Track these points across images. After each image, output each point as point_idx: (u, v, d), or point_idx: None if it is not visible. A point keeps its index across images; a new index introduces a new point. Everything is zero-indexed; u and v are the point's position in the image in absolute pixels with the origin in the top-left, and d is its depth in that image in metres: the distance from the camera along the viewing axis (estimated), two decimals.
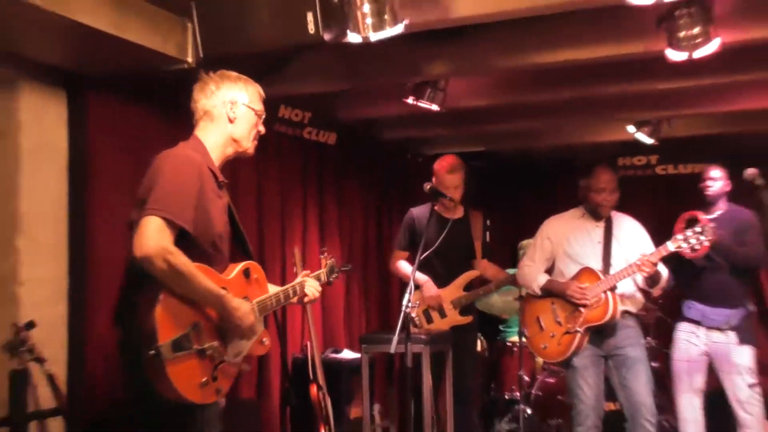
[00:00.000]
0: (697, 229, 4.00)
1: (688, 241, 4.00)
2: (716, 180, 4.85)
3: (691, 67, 3.96)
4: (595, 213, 4.39)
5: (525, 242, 5.06)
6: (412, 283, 3.83)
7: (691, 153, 6.49)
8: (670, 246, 4.04)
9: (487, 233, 5.09)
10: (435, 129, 6.06)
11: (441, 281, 4.85)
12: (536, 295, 4.44)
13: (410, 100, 4.76)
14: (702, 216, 4.29)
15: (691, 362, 4.91)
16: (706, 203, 4.93)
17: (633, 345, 4.27)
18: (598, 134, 6.28)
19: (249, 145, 2.83)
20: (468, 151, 6.78)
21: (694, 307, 4.92)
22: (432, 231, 4.53)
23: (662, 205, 5.32)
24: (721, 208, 4.89)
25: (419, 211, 4.96)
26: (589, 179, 4.37)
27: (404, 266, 4.95)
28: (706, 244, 4.04)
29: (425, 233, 4.20)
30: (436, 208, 4.68)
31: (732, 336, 4.81)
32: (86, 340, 3.82)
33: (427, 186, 4.40)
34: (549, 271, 4.48)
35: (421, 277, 4.80)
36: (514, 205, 7.54)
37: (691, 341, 4.93)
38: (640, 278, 4.15)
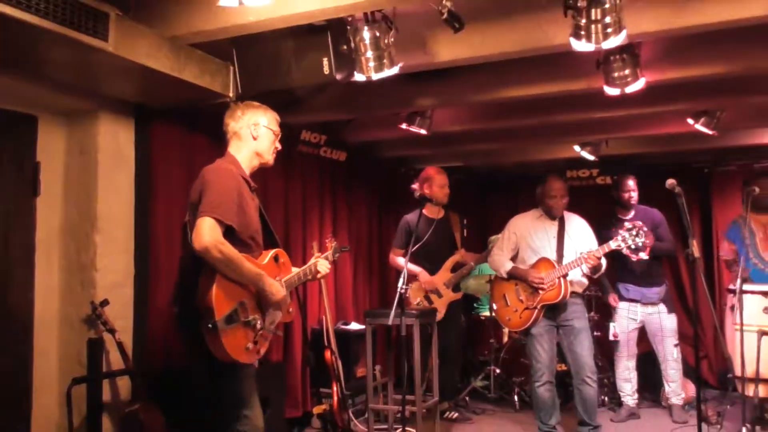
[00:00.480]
0: (633, 231, 4.05)
1: (626, 240, 4.06)
2: (636, 189, 4.99)
3: (623, 100, 4.03)
4: (549, 214, 4.43)
5: (493, 237, 5.13)
6: (405, 270, 3.88)
7: (624, 167, 6.53)
8: (613, 244, 4.09)
9: (464, 229, 5.16)
10: (423, 149, 6.09)
11: (432, 268, 4.91)
12: (503, 278, 4.48)
13: (404, 126, 4.80)
14: (637, 223, 4.36)
15: (630, 333, 5.03)
16: (625, 207, 5.04)
17: (579, 318, 4.32)
18: (551, 152, 6.31)
19: (269, 158, 2.91)
20: (448, 166, 6.85)
21: (632, 289, 5.02)
22: (421, 229, 4.59)
23: (602, 209, 5.39)
24: (635, 210, 5.01)
25: (411, 217, 5.02)
26: (543, 186, 4.42)
27: (401, 261, 4.96)
28: (639, 243, 4.08)
29: (416, 231, 4.27)
30: (424, 211, 4.75)
31: (662, 307, 4.96)
32: (148, 316, 3.85)
33: (417, 194, 4.50)
34: (514, 258, 4.52)
35: (416, 269, 4.85)
36: (484, 208, 7.56)
37: (630, 317, 5.04)
38: (585, 267, 4.20)
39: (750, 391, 4.29)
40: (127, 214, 3.82)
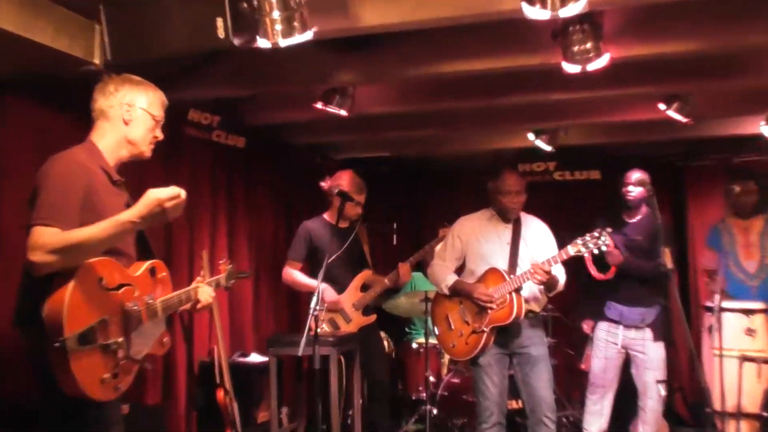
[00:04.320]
0: (595, 233, 4.09)
1: (586, 245, 4.10)
2: (639, 184, 4.98)
3: (585, 80, 4.14)
4: (504, 215, 4.47)
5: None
6: (319, 286, 3.92)
7: (585, 160, 6.76)
8: (571, 250, 4.13)
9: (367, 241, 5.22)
10: (343, 134, 6.10)
11: (337, 287, 4.92)
12: (445, 294, 4.49)
13: (319, 106, 4.78)
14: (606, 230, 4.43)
15: (608, 360, 5.09)
16: (627, 208, 5.10)
17: (536, 344, 4.37)
18: (499, 141, 6.43)
19: (144, 149, 2.84)
20: (375, 156, 6.89)
21: (613, 308, 5.10)
22: (331, 240, 4.56)
23: (560, 209, 5.55)
24: (641, 213, 5.08)
25: (314, 224, 5.04)
26: (497, 182, 4.44)
27: (296, 274, 4.97)
28: (604, 248, 4.15)
29: (332, 241, 4.29)
30: (328, 218, 4.86)
31: (647, 333, 5.01)
32: None
33: (336, 190, 4.52)
34: (460, 270, 4.54)
35: (323, 285, 4.84)
36: (416, 210, 7.67)
37: (609, 340, 5.09)
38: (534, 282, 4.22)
39: (731, 428, 4.49)
40: None
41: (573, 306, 5.89)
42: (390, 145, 6.68)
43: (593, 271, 4.98)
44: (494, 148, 6.55)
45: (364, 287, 5.03)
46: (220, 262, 3.50)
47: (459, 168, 7.45)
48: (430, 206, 7.60)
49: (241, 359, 5.32)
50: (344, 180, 4.94)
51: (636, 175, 4.99)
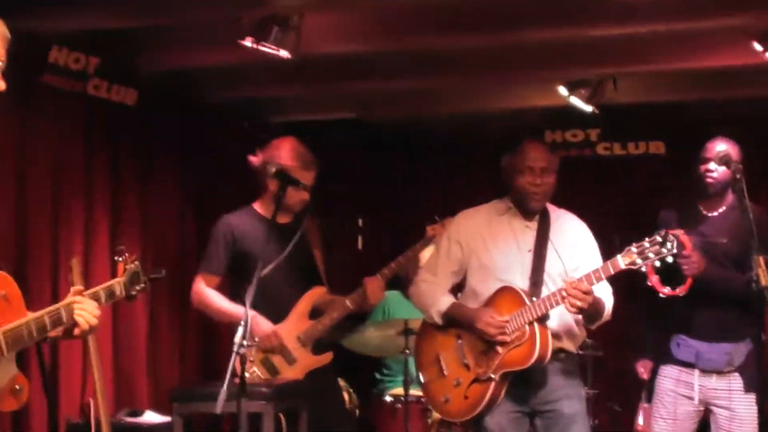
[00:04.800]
0: (658, 238, 4.06)
1: (644, 254, 4.07)
2: (720, 163, 4.82)
3: (644, 8, 4.19)
4: (524, 206, 4.45)
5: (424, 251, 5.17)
6: (248, 313, 3.91)
7: (643, 126, 6.82)
8: (622, 262, 4.10)
9: (357, 239, 5.17)
10: (285, 86, 6.16)
11: (275, 311, 4.88)
12: (436, 324, 4.48)
13: (248, 44, 4.82)
14: (681, 234, 4.35)
15: (679, 421, 5.05)
16: (706, 195, 5.00)
17: (569, 397, 4.36)
18: (516, 98, 6.48)
19: None
20: (332, 119, 6.94)
21: (684, 345, 5.04)
22: (271, 243, 4.53)
23: (605, 198, 5.50)
24: (725, 204, 5.00)
25: (239, 219, 5.02)
26: (514, 156, 4.43)
27: (212, 295, 4.93)
28: (670, 259, 4.12)
29: (264, 246, 4.30)
30: (259, 209, 4.91)
31: (736, 380, 4.99)
32: None
33: (270, 167, 4.57)
34: (458, 289, 4.55)
35: (249, 312, 4.75)
36: (395, 198, 7.72)
37: (680, 393, 5.04)
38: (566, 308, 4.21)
39: None
40: None
41: (622, 339, 5.96)
42: (356, 103, 6.74)
43: (659, 286, 4.92)
44: (510, 109, 6.63)
45: (315, 313, 5.01)
46: (120, 258, 3.39)
47: (460, 138, 7.51)
48: (415, 193, 7.64)
49: (131, 419, 5.31)
50: (283, 152, 4.90)
51: (720, 146, 4.90)
